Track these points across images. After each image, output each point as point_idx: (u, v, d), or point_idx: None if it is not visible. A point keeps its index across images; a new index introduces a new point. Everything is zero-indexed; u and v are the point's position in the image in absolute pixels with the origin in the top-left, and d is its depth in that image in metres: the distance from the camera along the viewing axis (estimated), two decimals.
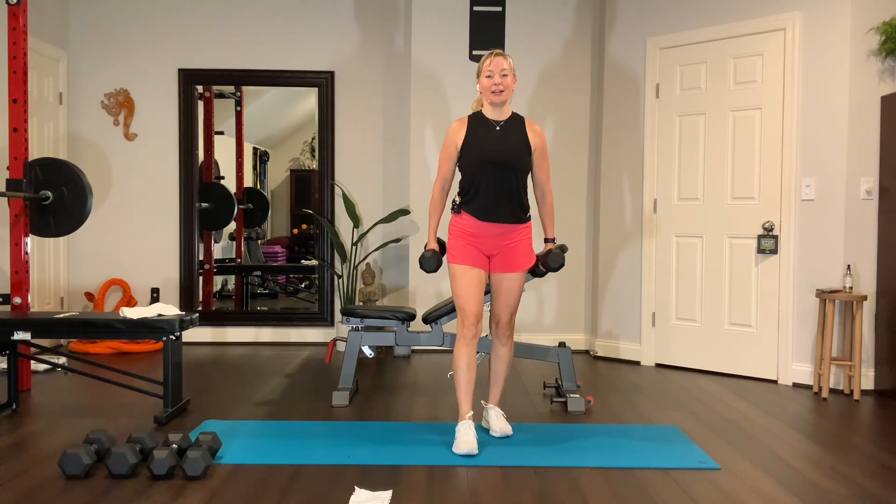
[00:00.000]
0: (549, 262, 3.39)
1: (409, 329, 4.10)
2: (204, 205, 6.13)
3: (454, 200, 3.34)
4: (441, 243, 3.48)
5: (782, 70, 4.60)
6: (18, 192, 4.08)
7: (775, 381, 4.67)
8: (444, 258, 3.41)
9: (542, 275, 3.52)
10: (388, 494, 2.68)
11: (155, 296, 5.93)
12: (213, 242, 6.53)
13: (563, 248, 3.46)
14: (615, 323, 5.41)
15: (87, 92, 5.91)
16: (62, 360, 4.76)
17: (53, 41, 5.66)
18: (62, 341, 5.64)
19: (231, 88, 6.57)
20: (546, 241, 3.49)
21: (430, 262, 3.38)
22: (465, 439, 3.14)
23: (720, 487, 2.81)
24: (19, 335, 3.67)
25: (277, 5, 5.91)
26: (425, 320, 4.08)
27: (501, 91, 3.24)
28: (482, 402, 3.60)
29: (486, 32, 4.95)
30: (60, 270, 5.81)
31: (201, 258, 6.17)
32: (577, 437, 3.43)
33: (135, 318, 3.68)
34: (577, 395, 3.91)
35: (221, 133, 6.66)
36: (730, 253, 4.85)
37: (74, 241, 5.88)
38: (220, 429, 3.46)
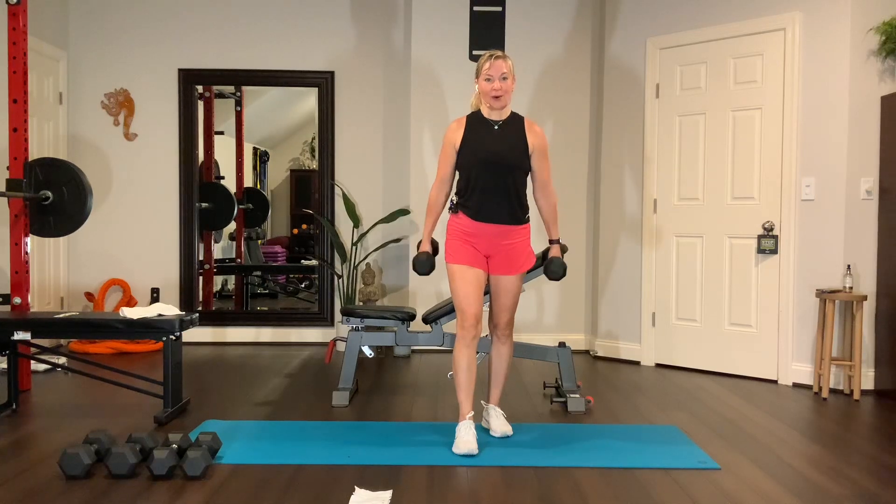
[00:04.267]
0: (551, 271, 3.38)
1: (409, 329, 4.10)
2: (204, 205, 6.13)
3: (452, 200, 3.33)
4: (435, 245, 3.46)
5: (782, 70, 4.60)
6: (18, 192, 4.08)
7: (775, 381, 4.67)
8: (441, 259, 3.40)
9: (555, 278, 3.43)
10: (388, 494, 2.68)
11: (155, 296, 5.93)
12: (213, 242, 6.52)
13: (563, 249, 3.47)
14: (615, 323, 5.41)
15: (87, 92, 5.91)
16: (62, 360, 4.75)
17: (53, 41, 5.66)
18: (62, 341, 5.64)
19: (231, 88, 6.56)
20: (550, 242, 3.46)
21: (424, 264, 3.36)
22: (465, 439, 3.14)
23: (720, 487, 2.81)
24: (19, 335, 3.67)
25: (277, 5, 5.91)
26: (425, 320, 4.08)
27: (501, 96, 3.23)
28: (482, 402, 3.60)
29: (486, 32, 4.95)
30: (60, 270, 5.81)
31: (201, 258, 6.17)
32: (577, 437, 3.43)
33: (135, 318, 3.67)
34: (577, 395, 3.91)
35: (221, 133, 6.65)
36: (730, 253, 4.85)
37: (74, 241, 5.87)
38: (220, 429, 3.46)
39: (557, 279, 3.41)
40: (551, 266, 3.38)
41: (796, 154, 4.56)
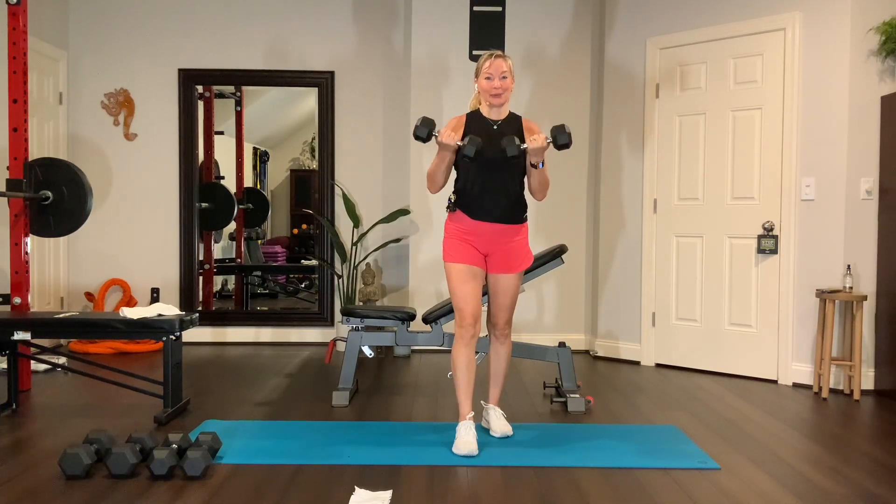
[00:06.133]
0: (555, 137, 3.14)
1: (409, 329, 4.10)
2: (204, 205, 6.13)
3: (449, 198, 3.33)
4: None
5: (782, 70, 4.60)
6: (18, 192, 4.08)
7: (775, 381, 4.67)
8: (440, 255, 3.38)
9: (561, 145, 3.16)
10: (387, 494, 2.68)
11: (155, 296, 5.92)
12: (213, 242, 6.53)
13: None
14: (615, 323, 5.41)
15: (87, 92, 5.91)
16: (62, 360, 4.76)
17: (53, 41, 5.66)
18: (62, 341, 5.64)
19: (231, 88, 6.57)
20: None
21: (423, 125, 3.16)
22: (465, 440, 3.14)
23: (720, 487, 2.81)
24: (19, 335, 3.67)
25: (277, 5, 5.91)
26: (425, 320, 4.08)
27: (500, 94, 3.24)
28: (482, 402, 3.60)
29: (486, 32, 4.94)
30: (60, 270, 5.81)
31: (201, 258, 6.17)
32: (577, 437, 3.43)
33: (135, 318, 3.67)
34: (577, 395, 3.91)
35: (221, 133, 6.66)
36: (730, 253, 4.85)
37: (74, 241, 5.87)
38: (220, 429, 3.46)
39: (564, 142, 3.13)
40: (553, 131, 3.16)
41: (796, 154, 4.56)
